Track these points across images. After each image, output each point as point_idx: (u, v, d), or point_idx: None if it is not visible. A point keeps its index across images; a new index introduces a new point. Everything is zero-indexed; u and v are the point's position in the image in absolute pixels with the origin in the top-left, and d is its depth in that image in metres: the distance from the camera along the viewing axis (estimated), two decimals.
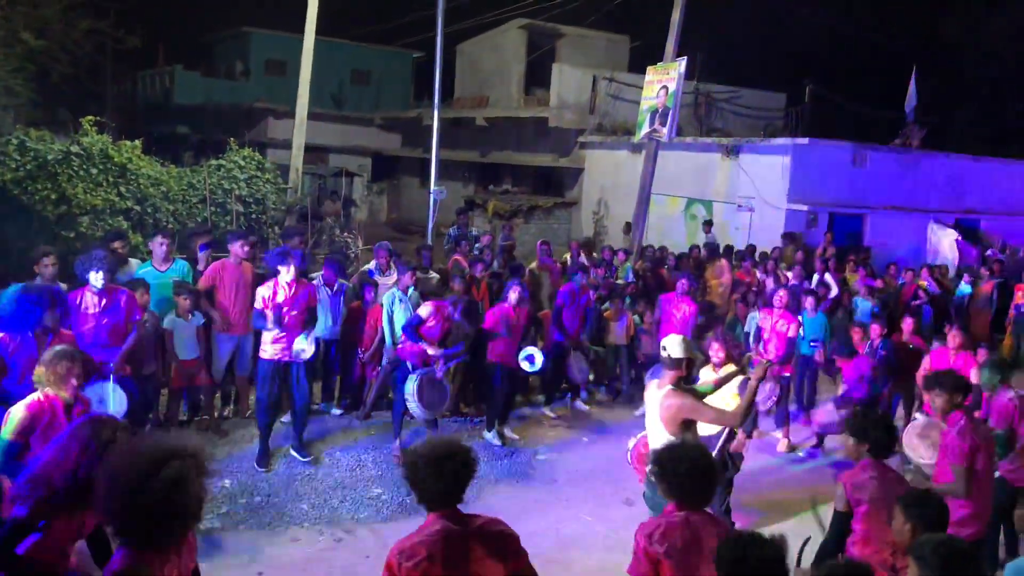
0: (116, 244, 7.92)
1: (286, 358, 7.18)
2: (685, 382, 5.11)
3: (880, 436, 4.41)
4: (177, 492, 2.82)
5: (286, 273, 7.13)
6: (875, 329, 8.74)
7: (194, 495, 2.89)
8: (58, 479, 3.39)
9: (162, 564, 2.92)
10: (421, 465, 3.21)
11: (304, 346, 7.21)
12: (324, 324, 8.22)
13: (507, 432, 8.52)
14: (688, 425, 4.97)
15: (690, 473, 3.56)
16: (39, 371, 4.33)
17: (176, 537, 2.95)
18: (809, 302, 9.45)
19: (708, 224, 16.49)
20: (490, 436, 8.34)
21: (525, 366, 8.56)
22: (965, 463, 4.76)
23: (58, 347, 4.53)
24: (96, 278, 6.46)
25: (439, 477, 3.18)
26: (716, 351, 6.78)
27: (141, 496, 2.77)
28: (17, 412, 4.22)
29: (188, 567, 3.16)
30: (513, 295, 8.37)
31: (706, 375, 6.45)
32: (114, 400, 5.75)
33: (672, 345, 5.07)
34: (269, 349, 7.19)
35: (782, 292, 8.93)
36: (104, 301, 6.56)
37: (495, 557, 3.23)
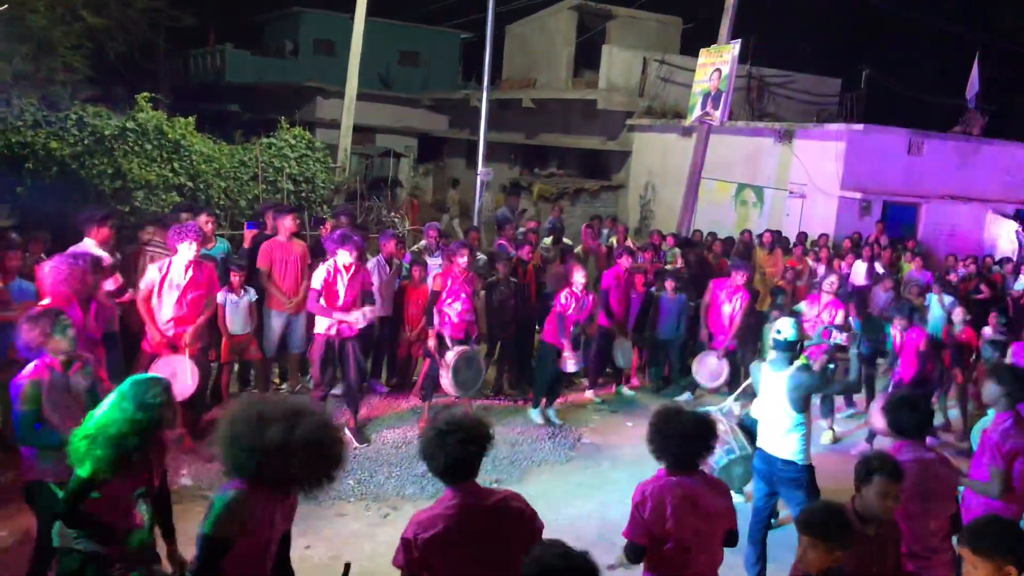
0: (184, 216, 8.00)
1: (344, 334, 7.19)
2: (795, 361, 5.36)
3: (907, 417, 4.22)
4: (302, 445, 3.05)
5: (346, 256, 7.10)
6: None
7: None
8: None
9: (266, 506, 3.13)
10: (430, 439, 3.21)
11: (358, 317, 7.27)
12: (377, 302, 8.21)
13: (551, 415, 8.49)
14: (809, 402, 5.27)
15: (684, 438, 3.66)
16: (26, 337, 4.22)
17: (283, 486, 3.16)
18: (884, 285, 10.44)
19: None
20: (534, 414, 8.32)
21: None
22: (1002, 465, 4.57)
23: (34, 310, 4.46)
24: (188, 249, 6.46)
25: (444, 450, 3.17)
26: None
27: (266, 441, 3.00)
28: (21, 384, 4.17)
29: (281, 527, 3.31)
30: (580, 276, 8.20)
31: None
32: (190, 374, 5.83)
33: (785, 328, 5.33)
34: (323, 326, 7.19)
35: (833, 278, 8.72)
36: (191, 273, 6.56)
37: (514, 533, 3.19)
